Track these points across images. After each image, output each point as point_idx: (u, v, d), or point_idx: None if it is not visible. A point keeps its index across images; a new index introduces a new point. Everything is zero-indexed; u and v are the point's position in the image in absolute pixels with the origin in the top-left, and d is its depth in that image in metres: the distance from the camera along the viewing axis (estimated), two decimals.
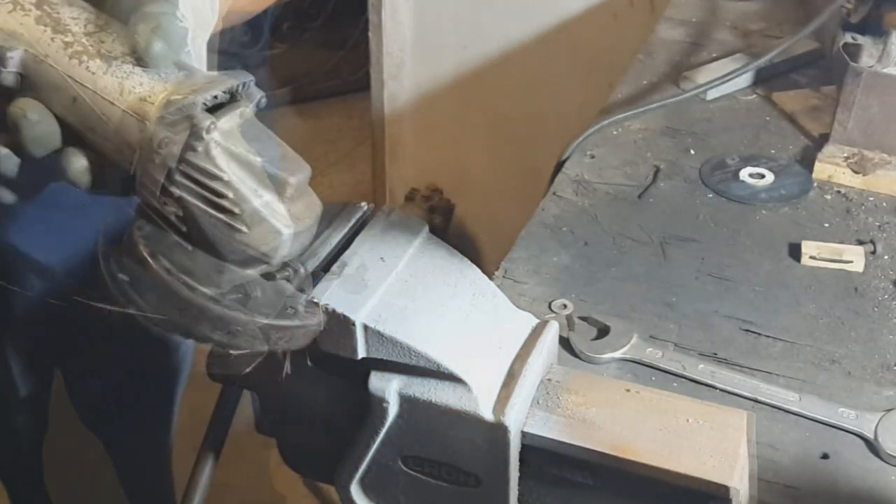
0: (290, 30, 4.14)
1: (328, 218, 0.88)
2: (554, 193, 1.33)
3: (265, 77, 4.05)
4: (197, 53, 0.81)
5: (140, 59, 0.69)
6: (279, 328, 0.72)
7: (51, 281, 1.31)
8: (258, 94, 0.72)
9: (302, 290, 0.77)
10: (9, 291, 1.31)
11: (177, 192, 0.69)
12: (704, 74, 1.56)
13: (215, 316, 0.69)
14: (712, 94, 1.52)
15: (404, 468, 0.85)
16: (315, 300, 0.79)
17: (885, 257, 1.20)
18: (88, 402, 1.49)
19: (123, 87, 0.68)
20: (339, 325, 0.79)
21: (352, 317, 0.79)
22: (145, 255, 0.69)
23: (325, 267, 0.83)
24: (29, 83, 0.69)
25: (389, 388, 0.81)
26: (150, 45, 0.68)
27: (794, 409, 0.98)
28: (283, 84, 4.09)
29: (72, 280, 1.30)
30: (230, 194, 0.69)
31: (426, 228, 0.89)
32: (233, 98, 0.71)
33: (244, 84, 0.71)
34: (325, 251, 0.84)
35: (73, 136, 0.70)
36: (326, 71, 4.12)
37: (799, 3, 1.81)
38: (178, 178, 0.68)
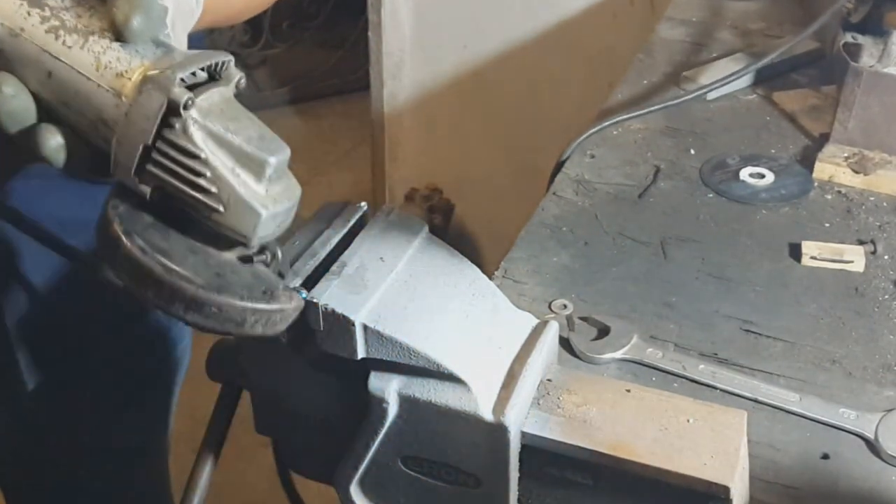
0: (289, 29, 4.15)
1: (328, 218, 0.88)
2: (554, 193, 1.33)
3: (266, 76, 4.05)
4: (177, 39, 0.80)
5: (118, 35, 0.68)
6: (255, 311, 0.70)
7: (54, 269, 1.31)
8: (237, 74, 0.71)
9: (280, 275, 0.76)
10: (15, 275, 1.31)
11: (152, 169, 0.68)
12: (705, 74, 1.56)
13: (190, 297, 0.68)
14: (712, 94, 1.52)
15: (404, 468, 0.85)
16: (314, 297, 0.79)
17: (886, 257, 1.20)
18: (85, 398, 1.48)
19: (100, 62, 0.68)
20: (339, 325, 0.79)
21: (351, 317, 0.78)
22: (119, 233, 0.69)
23: (325, 267, 0.83)
24: (3, 58, 0.69)
25: (389, 388, 0.81)
26: (128, 19, 0.67)
27: (795, 409, 0.98)
28: (283, 84, 4.09)
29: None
30: (207, 173, 0.67)
31: (426, 228, 0.89)
32: (212, 77, 0.70)
33: (223, 63, 0.70)
34: (324, 251, 0.84)
35: (47, 112, 0.69)
36: (325, 70, 4.12)
37: (799, 3, 1.80)
38: (154, 155, 0.67)
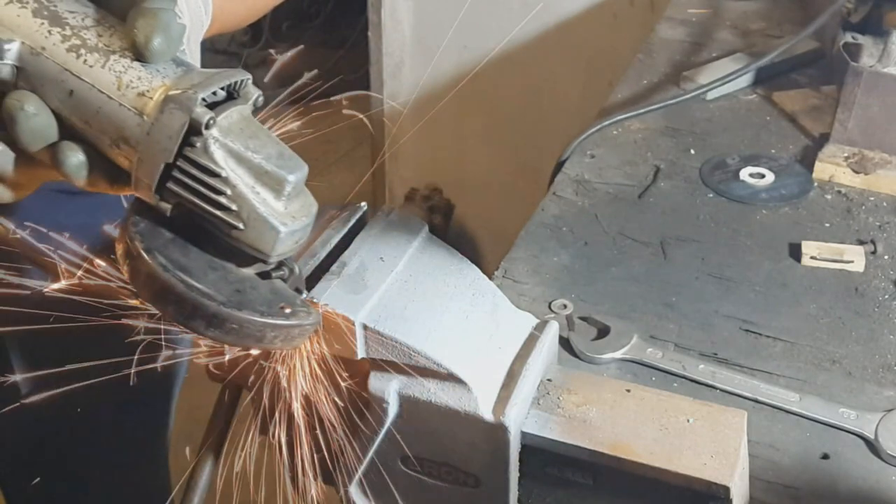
0: (289, 29, 4.14)
1: (328, 218, 0.88)
2: (554, 193, 1.33)
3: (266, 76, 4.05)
4: (191, 52, 0.81)
5: (139, 54, 0.68)
6: (274, 327, 0.71)
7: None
8: (255, 93, 0.72)
9: (298, 290, 0.77)
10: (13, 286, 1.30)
11: (173, 187, 0.68)
12: (705, 74, 1.56)
13: (211, 313, 0.69)
14: (712, 94, 1.52)
15: (404, 468, 0.85)
16: (314, 297, 0.79)
17: (886, 257, 1.20)
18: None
19: (121, 82, 0.68)
20: (339, 325, 0.79)
21: (352, 317, 0.78)
22: (140, 250, 0.69)
23: (325, 267, 0.83)
24: (25, 76, 0.69)
25: (389, 388, 0.81)
26: (149, 40, 0.68)
27: (795, 409, 0.98)
28: (283, 84, 4.09)
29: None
30: (228, 191, 0.68)
31: (426, 228, 0.89)
32: (230, 95, 0.71)
33: (242, 81, 0.71)
34: (324, 251, 0.84)
35: (68, 130, 0.70)
36: (326, 71, 4.12)
37: (799, 3, 1.80)
38: (175, 173, 0.68)
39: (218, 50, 3.93)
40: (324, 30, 4.21)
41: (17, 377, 1.40)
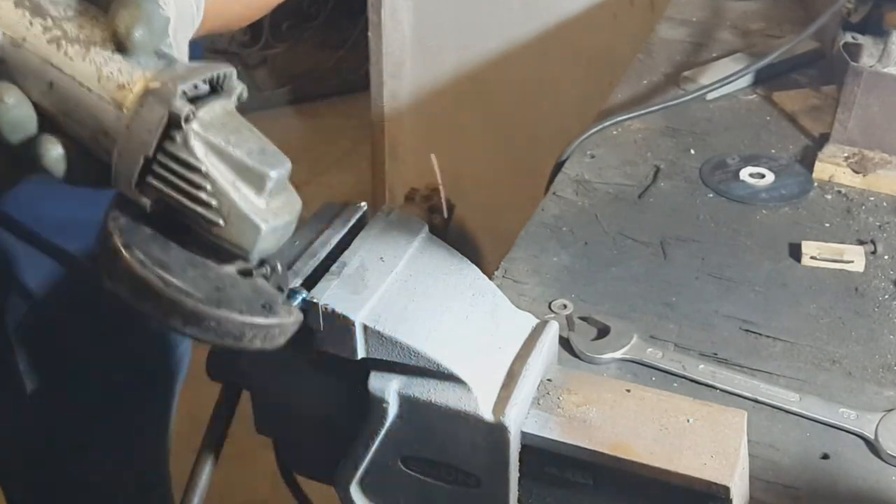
0: (289, 29, 4.14)
1: (327, 218, 0.88)
2: (554, 193, 1.33)
3: (266, 76, 4.05)
4: (178, 48, 0.80)
5: (120, 46, 0.67)
6: (254, 326, 0.70)
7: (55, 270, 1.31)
8: (239, 87, 0.71)
9: (279, 289, 0.76)
10: (12, 279, 1.31)
11: (153, 182, 0.68)
12: (705, 74, 1.56)
13: (189, 311, 0.68)
14: (712, 94, 1.52)
15: (404, 468, 0.85)
16: (314, 297, 0.79)
17: (886, 257, 1.20)
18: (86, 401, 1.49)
19: (101, 74, 0.67)
20: (339, 325, 0.79)
21: (351, 317, 0.78)
22: (119, 246, 0.68)
23: (325, 267, 0.83)
24: (4, 67, 0.68)
25: (389, 388, 0.81)
26: (130, 31, 0.67)
27: (795, 409, 0.98)
28: (283, 84, 4.09)
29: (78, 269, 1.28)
30: (208, 186, 0.67)
31: (426, 228, 0.89)
32: (213, 89, 0.70)
33: (225, 75, 0.70)
34: (324, 251, 0.84)
35: (48, 123, 0.69)
36: (326, 70, 4.12)
37: (799, 3, 1.80)
38: (154, 167, 0.67)
39: (218, 50, 3.92)
40: (324, 30, 4.21)
41: (26, 381, 1.40)
